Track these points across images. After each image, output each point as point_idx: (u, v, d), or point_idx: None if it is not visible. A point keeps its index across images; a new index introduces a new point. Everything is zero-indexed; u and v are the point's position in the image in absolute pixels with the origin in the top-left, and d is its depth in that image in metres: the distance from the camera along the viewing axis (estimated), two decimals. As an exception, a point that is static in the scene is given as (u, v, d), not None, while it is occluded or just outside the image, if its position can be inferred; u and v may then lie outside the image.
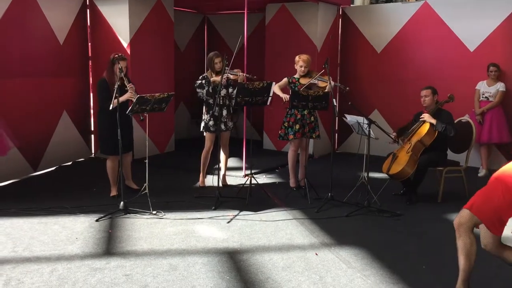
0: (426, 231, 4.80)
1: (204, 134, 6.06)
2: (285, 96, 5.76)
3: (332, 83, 5.73)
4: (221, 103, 5.86)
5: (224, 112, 5.95)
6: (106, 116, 5.36)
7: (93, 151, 8.02)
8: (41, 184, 6.40)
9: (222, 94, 5.84)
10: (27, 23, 6.54)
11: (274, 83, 5.66)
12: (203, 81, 5.80)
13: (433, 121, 5.51)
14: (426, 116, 5.60)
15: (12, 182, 6.33)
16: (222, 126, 5.95)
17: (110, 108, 5.17)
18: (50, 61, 7.00)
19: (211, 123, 5.95)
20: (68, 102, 7.40)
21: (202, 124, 6.03)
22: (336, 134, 8.81)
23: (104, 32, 7.59)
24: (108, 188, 5.78)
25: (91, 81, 7.84)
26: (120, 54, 5.54)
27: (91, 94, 7.89)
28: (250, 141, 6.14)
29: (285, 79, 6.00)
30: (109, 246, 4.22)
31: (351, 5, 9.13)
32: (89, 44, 7.80)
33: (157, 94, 5.18)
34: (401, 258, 4.12)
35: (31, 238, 4.39)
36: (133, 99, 5.17)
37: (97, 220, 4.84)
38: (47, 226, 4.70)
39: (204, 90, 5.82)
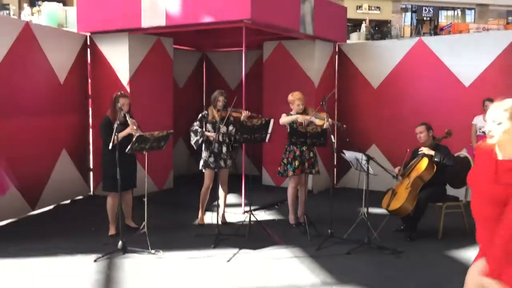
0: (427, 268, 4.76)
1: (204, 171, 6.07)
2: (302, 117, 5.79)
3: (330, 121, 5.78)
4: (220, 140, 5.90)
5: (224, 149, 5.98)
6: (109, 152, 5.37)
7: (91, 189, 8.00)
8: (39, 223, 6.36)
9: (222, 131, 5.89)
10: (28, 63, 6.64)
11: (272, 120, 5.71)
12: (198, 129, 5.87)
13: (432, 153, 5.54)
14: (425, 149, 5.63)
15: (10, 222, 6.29)
16: (222, 163, 5.97)
17: (110, 147, 5.19)
18: (50, 100, 7.07)
19: (211, 159, 5.97)
20: (67, 140, 7.43)
21: (201, 162, 6.05)
22: (335, 169, 8.82)
23: (104, 71, 7.69)
24: (106, 227, 5.74)
25: (90, 120, 7.90)
26: (121, 92, 5.62)
27: (91, 132, 7.93)
28: (249, 177, 6.15)
29: (284, 115, 6.05)
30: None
31: (348, 41, 9.29)
32: (89, 82, 7.89)
33: (156, 133, 5.22)
34: (403, 297, 4.07)
35: (28, 280, 4.33)
36: (133, 134, 5.24)
37: (95, 261, 4.79)
38: (44, 268, 4.64)
39: (196, 138, 5.88)
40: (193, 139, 5.91)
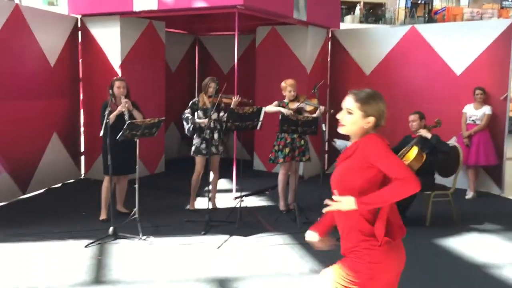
0: (415, 255, 4.84)
1: (195, 157, 6.09)
2: (286, 111, 5.80)
3: (322, 107, 5.80)
4: (212, 126, 5.91)
5: (216, 136, 6.00)
6: (103, 136, 5.36)
7: (83, 173, 8.00)
8: (30, 207, 6.37)
9: (213, 118, 5.90)
10: (18, 46, 6.57)
11: (264, 108, 5.72)
12: (189, 117, 5.88)
13: (429, 136, 5.62)
14: (423, 132, 5.70)
15: (1, 206, 6.30)
16: (214, 149, 5.99)
17: (101, 133, 5.19)
18: (41, 83, 7.02)
19: (202, 146, 5.99)
20: (58, 124, 7.40)
21: (193, 148, 6.06)
22: (326, 155, 8.87)
23: (95, 54, 7.63)
24: (98, 212, 5.77)
25: (81, 103, 7.86)
26: (117, 77, 5.74)
27: (82, 116, 7.90)
28: (240, 162, 6.18)
29: (276, 102, 6.07)
30: (98, 274, 4.21)
31: (341, 25, 9.25)
32: (80, 66, 7.83)
33: (147, 120, 5.22)
34: (389, 285, 4.14)
35: (18, 265, 4.36)
36: (124, 112, 5.41)
37: (86, 246, 4.82)
38: (35, 253, 4.67)
39: (187, 126, 5.90)
40: (186, 127, 5.92)
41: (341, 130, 2.41)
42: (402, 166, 2.27)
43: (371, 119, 2.33)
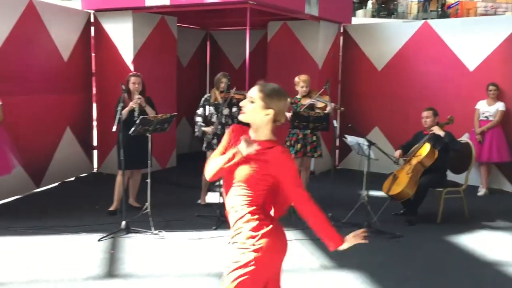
0: (426, 252, 4.84)
1: (207, 152, 6.12)
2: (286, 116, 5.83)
3: (333, 104, 5.80)
4: (223, 121, 5.93)
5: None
6: (119, 132, 5.40)
7: (95, 167, 8.07)
8: (43, 201, 6.45)
9: (225, 113, 5.91)
10: (32, 41, 6.64)
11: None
12: (199, 123, 5.97)
13: (442, 133, 5.59)
14: (435, 129, 5.67)
15: (15, 199, 6.39)
16: None
17: (114, 128, 5.22)
18: (54, 77, 7.08)
19: (214, 141, 6.01)
20: (71, 118, 7.48)
21: (205, 144, 6.09)
22: (337, 151, 8.86)
23: (108, 49, 7.68)
24: (110, 205, 5.83)
25: (94, 97, 7.93)
26: (133, 72, 5.93)
27: (95, 110, 7.96)
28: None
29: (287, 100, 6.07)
30: (111, 268, 4.27)
31: (353, 19, 9.21)
32: (93, 60, 7.89)
33: (159, 115, 5.26)
34: (401, 281, 4.16)
35: (32, 258, 4.43)
36: (135, 107, 5.50)
37: (99, 240, 4.88)
38: (49, 246, 4.74)
39: (197, 130, 6.01)
40: (196, 129, 6.05)
41: (241, 117, 2.48)
42: (302, 189, 2.44)
43: (270, 112, 2.40)
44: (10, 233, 5.06)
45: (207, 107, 6.00)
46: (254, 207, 2.40)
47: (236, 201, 2.43)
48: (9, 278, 4.00)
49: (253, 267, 2.32)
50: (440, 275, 4.31)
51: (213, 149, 6.00)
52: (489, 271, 4.47)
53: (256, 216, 2.39)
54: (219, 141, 5.90)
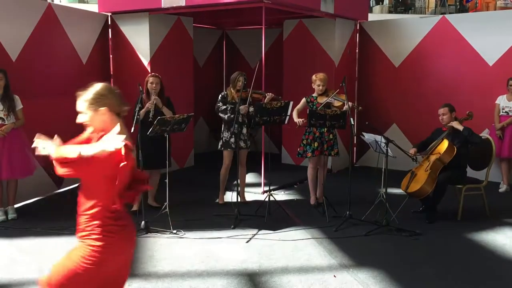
0: (446, 250, 4.79)
1: (224, 151, 6.15)
2: (299, 121, 5.83)
3: (350, 103, 5.78)
4: (240, 120, 5.94)
5: (244, 130, 6.03)
6: (140, 131, 5.46)
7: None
8: (64, 201, 6.55)
9: (242, 112, 5.92)
10: (51, 44, 6.75)
11: (291, 102, 5.73)
12: (227, 107, 5.93)
13: (461, 128, 5.53)
14: (454, 123, 5.61)
15: (37, 200, 6.50)
16: (242, 144, 6.04)
17: (132, 129, 5.28)
18: (73, 80, 7.16)
19: (232, 140, 6.04)
20: (90, 120, 7.56)
21: (220, 142, 6.12)
22: (355, 148, 8.82)
23: (125, 51, 7.76)
24: (129, 206, 5.89)
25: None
26: (152, 73, 6.01)
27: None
28: (268, 155, 6.22)
29: (303, 100, 6.07)
30: (131, 267, 4.31)
31: (369, 16, 9.14)
32: (111, 62, 7.98)
33: (176, 116, 5.31)
34: (420, 279, 4.13)
35: (54, 258, 4.50)
36: (150, 109, 5.57)
37: (119, 240, 4.94)
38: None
39: (226, 115, 5.94)
40: (225, 116, 5.96)
41: (88, 130, 2.60)
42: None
43: (103, 110, 2.52)
44: (30, 234, 5.15)
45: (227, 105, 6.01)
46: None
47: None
48: (31, 278, 4.07)
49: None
50: (461, 273, 4.26)
51: (231, 148, 6.06)
52: (510, 268, 4.41)
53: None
54: (236, 141, 5.96)
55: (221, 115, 6.00)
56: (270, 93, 5.96)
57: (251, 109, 5.97)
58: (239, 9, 7.58)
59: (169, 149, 5.74)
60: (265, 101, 5.83)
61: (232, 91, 6.04)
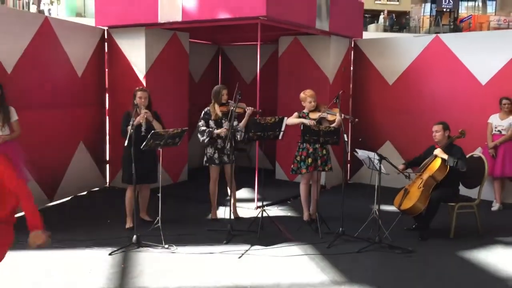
0: (438, 268, 4.79)
1: (210, 167, 6.15)
2: (308, 121, 5.83)
3: (342, 115, 5.82)
4: (223, 136, 5.94)
5: (227, 145, 6.00)
6: (127, 146, 5.44)
7: (108, 181, 8.14)
8: (56, 215, 6.51)
9: (225, 127, 5.92)
10: (47, 57, 6.76)
11: (285, 118, 5.75)
12: (206, 129, 5.95)
13: (445, 156, 5.54)
14: (438, 151, 5.63)
15: (29, 213, 6.44)
16: (225, 159, 6.04)
17: (126, 142, 5.26)
18: (68, 93, 7.19)
19: (215, 156, 6.04)
20: (85, 133, 7.57)
21: (205, 158, 6.12)
22: (348, 165, 8.84)
23: (121, 65, 7.79)
24: (122, 219, 5.87)
25: (107, 112, 8.03)
26: (140, 87, 5.96)
27: (107, 125, 8.05)
28: (262, 171, 6.22)
29: (296, 114, 6.10)
30: (122, 282, 4.28)
31: (365, 33, 9.23)
32: (106, 76, 8.00)
33: (170, 130, 5.31)
34: (412, 298, 4.11)
35: (44, 271, 4.46)
36: (142, 123, 5.55)
37: (110, 254, 4.91)
38: (60, 260, 4.78)
39: (202, 138, 5.97)
40: (201, 139, 5.99)
41: None
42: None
43: None
44: (21, 247, 5.10)
45: (210, 122, 6.01)
46: None
47: None
48: (21, 291, 4.03)
49: None
50: (453, 291, 4.25)
51: (215, 164, 6.05)
52: (503, 286, 4.40)
53: None
54: (219, 156, 5.96)
55: (198, 135, 6.01)
56: (251, 107, 5.97)
57: (235, 123, 5.91)
58: (235, 25, 7.64)
59: (156, 163, 5.74)
60: (246, 115, 5.86)
61: (216, 107, 6.03)
